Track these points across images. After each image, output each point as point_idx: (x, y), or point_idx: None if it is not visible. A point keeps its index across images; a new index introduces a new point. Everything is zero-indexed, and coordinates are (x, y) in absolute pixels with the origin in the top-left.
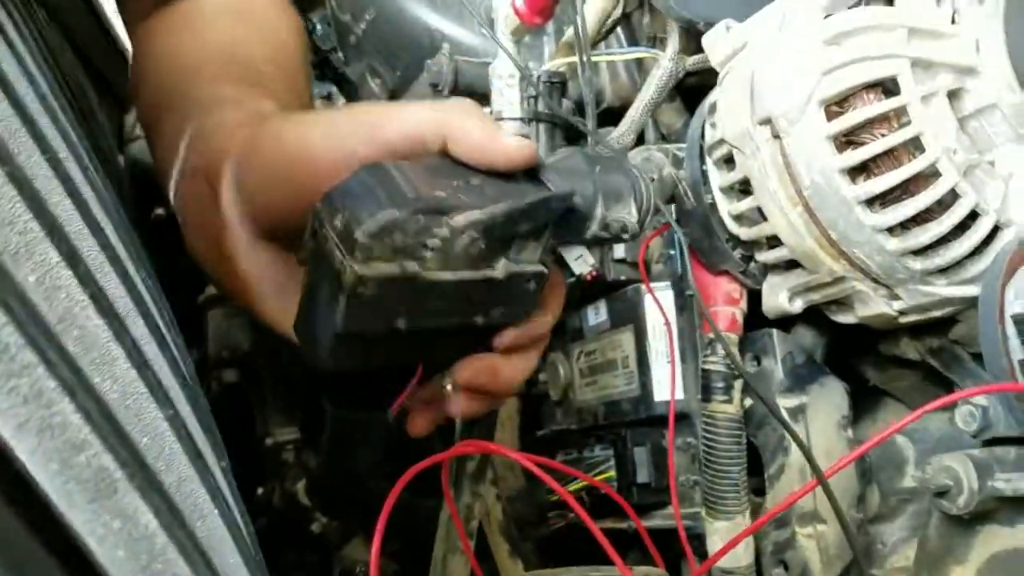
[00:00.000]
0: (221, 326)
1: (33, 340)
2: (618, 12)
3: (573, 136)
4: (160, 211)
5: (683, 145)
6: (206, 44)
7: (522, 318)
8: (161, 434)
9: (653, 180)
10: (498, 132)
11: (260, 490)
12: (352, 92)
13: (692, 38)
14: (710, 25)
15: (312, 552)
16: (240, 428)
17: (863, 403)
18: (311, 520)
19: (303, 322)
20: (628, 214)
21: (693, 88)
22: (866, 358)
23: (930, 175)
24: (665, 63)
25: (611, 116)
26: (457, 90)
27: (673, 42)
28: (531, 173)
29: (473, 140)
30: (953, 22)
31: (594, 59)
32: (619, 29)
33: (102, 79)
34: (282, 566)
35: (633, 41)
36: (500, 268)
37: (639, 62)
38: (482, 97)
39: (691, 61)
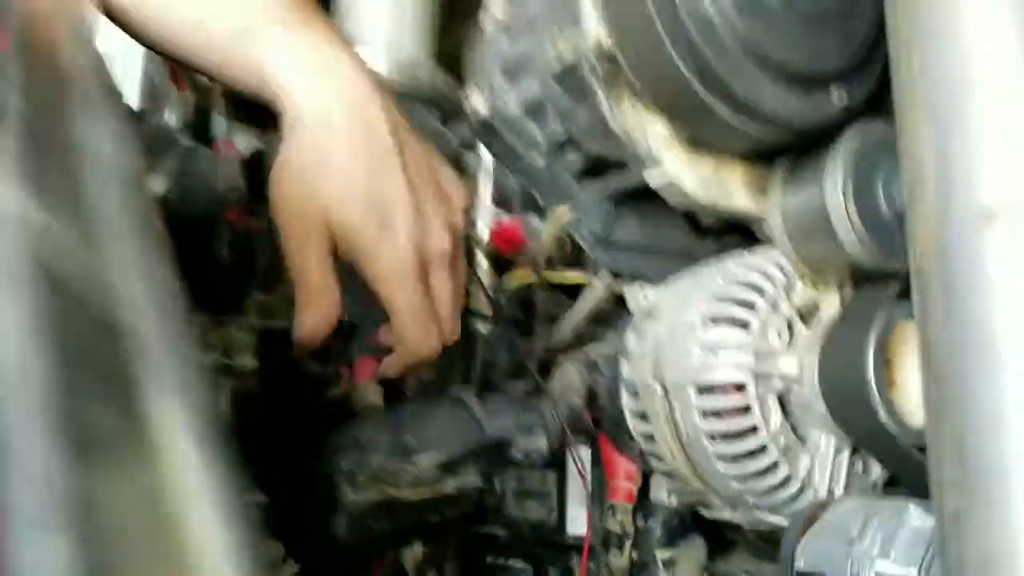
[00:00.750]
0: None
1: None
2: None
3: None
4: None
5: (605, 351)
6: None
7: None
8: None
9: (570, 406)
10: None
11: None
12: None
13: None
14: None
15: None
16: None
17: (719, 548)
18: None
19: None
20: (541, 444)
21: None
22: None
23: (759, 450)
24: (598, 289)
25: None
26: None
27: (605, 274)
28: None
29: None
30: (791, 342)
31: (547, 276)
32: None
33: None
34: None
35: None
36: (450, 485)
37: None
38: None
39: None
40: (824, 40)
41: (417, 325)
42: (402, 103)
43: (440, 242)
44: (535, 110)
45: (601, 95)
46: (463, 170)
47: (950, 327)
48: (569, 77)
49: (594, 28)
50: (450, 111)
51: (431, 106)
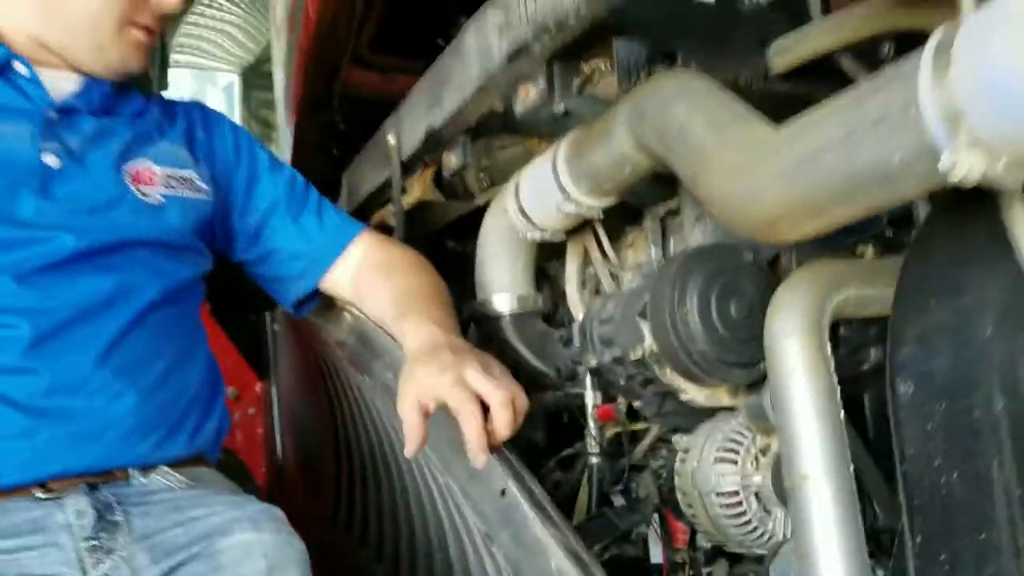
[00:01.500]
0: None
1: None
2: None
3: None
4: None
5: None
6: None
7: None
8: None
9: (654, 504)
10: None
11: None
12: None
13: None
14: None
15: None
16: None
17: (735, 565)
18: None
19: None
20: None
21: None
22: None
23: (747, 521)
24: (653, 433)
25: None
26: None
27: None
28: None
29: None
30: (758, 467)
31: (628, 426)
32: None
33: None
34: None
35: None
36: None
37: None
38: None
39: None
40: (744, 346)
41: (474, 434)
42: (520, 318)
43: (501, 392)
44: (620, 362)
45: (655, 369)
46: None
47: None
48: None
49: (651, 339)
50: (553, 323)
51: (538, 318)
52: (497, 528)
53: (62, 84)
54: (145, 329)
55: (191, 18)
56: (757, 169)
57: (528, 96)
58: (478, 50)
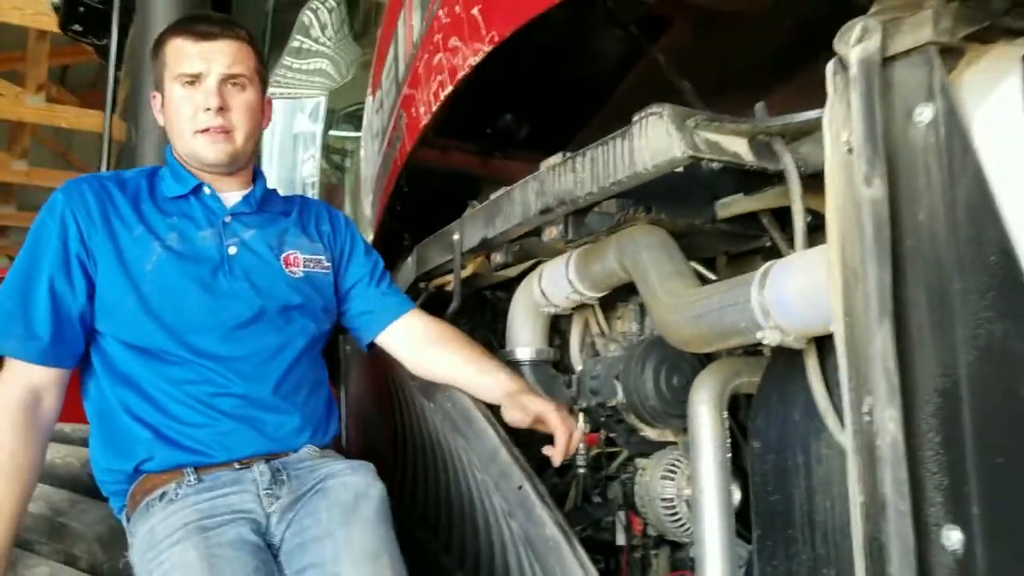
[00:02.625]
0: None
1: None
2: None
3: None
4: None
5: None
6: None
7: None
8: None
9: (619, 505)
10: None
11: None
12: None
13: None
14: None
15: None
16: None
17: (675, 551)
18: None
19: None
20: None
21: None
22: None
23: (679, 518)
24: (623, 455)
25: None
26: None
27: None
28: None
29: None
30: (687, 484)
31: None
32: None
33: None
34: None
35: None
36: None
37: None
38: None
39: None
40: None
41: (564, 440)
42: (536, 365)
43: (569, 422)
44: (602, 406)
45: (624, 413)
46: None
47: None
48: (620, 407)
49: (622, 394)
50: (560, 368)
51: (549, 365)
52: (515, 509)
53: (231, 196)
54: (299, 368)
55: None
56: (679, 311)
57: (551, 235)
58: (521, 202)
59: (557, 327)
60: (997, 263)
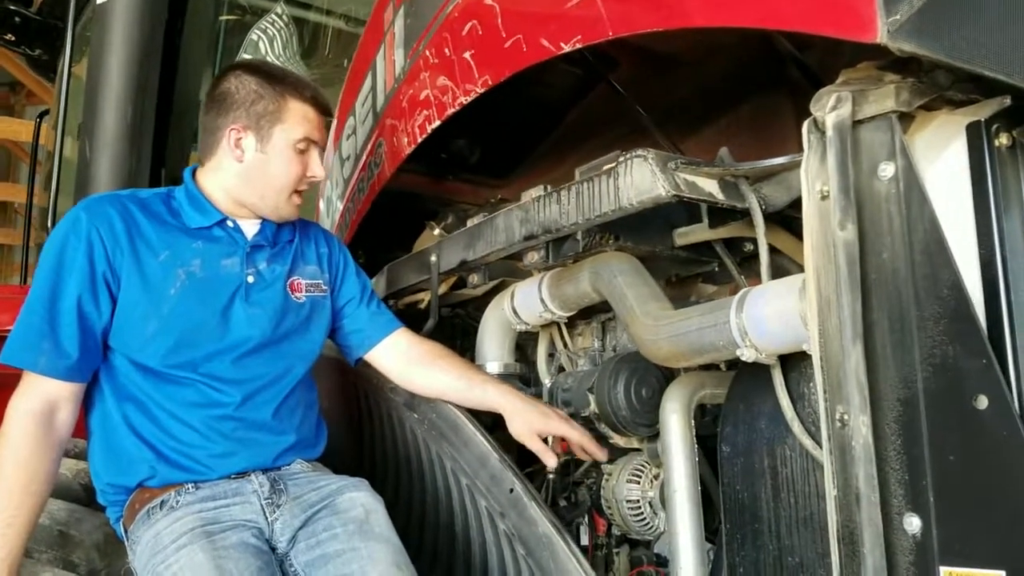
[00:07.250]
0: None
1: None
2: None
3: None
4: None
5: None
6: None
7: None
8: None
9: (587, 506)
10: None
11: None
12: None
13: None
14: None
15: None
16: None
17: (637, 548)
18: None
19: None
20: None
21: None
22: None
23: (644, 518)
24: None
25: None
26: None
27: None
28: None
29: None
30: (652, 486)
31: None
32: None
33: None
34: None
35: None
36: None
37: None
38: None
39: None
40: (649, 415)
41: (593, 447)
42: (504, 379)
43: (574, 430)
44: (574, 416)
45: (595, 422)
46: None
47: None
48: (592, 416)
49: (595, 405)
50: (528, 383)
51: (516, 379)
52: (507, 510)
53: (250, 228)
54: (296, 393)
55: None
56: (658, 331)
57: (533, 259)
58: (505, 228)
59: (523, 350)
60: (948, 295)
